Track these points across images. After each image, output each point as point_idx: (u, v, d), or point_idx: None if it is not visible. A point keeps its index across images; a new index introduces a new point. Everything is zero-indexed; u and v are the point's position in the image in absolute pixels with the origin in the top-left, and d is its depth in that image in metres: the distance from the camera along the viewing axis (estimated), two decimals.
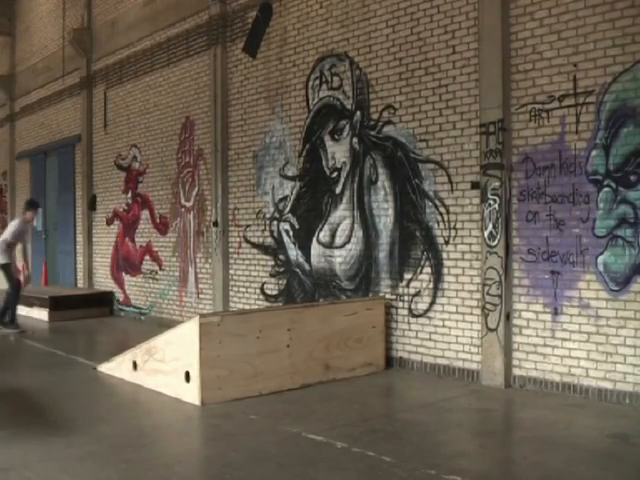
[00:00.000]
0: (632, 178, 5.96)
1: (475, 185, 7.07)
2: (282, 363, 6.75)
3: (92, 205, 13.98)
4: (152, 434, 5.61)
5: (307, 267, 9.01)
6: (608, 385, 6.10)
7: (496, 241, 6.81)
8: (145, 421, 5.96)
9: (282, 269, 9.44)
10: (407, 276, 7.75)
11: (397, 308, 7.84)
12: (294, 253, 9.23)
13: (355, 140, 8.31)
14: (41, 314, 12.34)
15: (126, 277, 12.93)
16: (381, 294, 7.99)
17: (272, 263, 9.60)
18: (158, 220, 12.00)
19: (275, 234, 9.55)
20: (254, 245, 9.91)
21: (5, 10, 17.99)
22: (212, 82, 10.50)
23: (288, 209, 9.33)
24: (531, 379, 6.64)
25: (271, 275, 9.62)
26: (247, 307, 9.80)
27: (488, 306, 6.86)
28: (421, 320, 7.61)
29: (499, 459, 4.97)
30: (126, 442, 5.23)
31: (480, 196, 6.99)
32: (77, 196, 14.67)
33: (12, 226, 11.39)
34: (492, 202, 6.84)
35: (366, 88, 8.21)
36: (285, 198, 9.38)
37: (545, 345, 6.54)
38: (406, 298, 7.75)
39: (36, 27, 16.85)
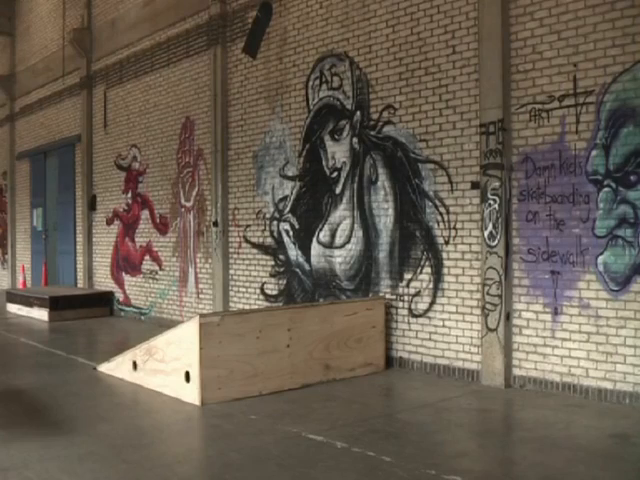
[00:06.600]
0: (632, 178, 5.96)
1: (475, 185, 7.07)
2: (282, 363, 6.75)
3: (92, 205, 13.99)
4: (152, 434, 5.61)
5: (307, 267, 9.01)
6: (608, 385, 6.10)
7: (496, 241, 6.81)
8: (145, 421, 5.95)
9: (282, 269, 9.44)
10: (407, 276, 7.75)
11: (397, 308, 7.84)
12: (294, 253, 9.23)
13: (355, 140, 8.31)
14: (41, 314, 12.34)
15: (126, 277, 12.94)
16: (381, 294, 7.99)
17: (272, 263, 9.60)
18: (158, 220, 12.00)
19: (275, 234, 9.55)
20: (254, 245, 9.92)
21: (5, 10, 17.99)
22: (212, 82, 10.50)
23: (288, 209, 9.34)
24: (531, 379, 6.64)
25: (271, 275, 9.62)
26: (247, 307, 9.80)
27: (488, 306, 6.86)
28: (421, 320, 7.61)
29: (499, 459, 4.97)
30: (126, 442, 5.23)
31: (480, 196, 6.99)
32: (77, 196, 14.67)
33: None
34: (492, 202, 6.84)
35: (366, 88, 8.21)
36: (285, 198, 9.38)
37: (545, 345, 6.54)
38: (406, 298, 7.75)
39: (36, 27, 16.85)
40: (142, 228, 12.46)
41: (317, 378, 7.01)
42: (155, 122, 12.06)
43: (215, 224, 10.42)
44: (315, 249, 8.90)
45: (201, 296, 10.89)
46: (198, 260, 10.96)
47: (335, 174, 8.60)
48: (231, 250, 10.31)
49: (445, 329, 7.38)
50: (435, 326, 7.47)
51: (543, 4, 6.56)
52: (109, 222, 13.51)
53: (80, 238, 14.51)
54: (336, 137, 8.59)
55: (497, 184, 6.80)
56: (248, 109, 10.01)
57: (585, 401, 6.16)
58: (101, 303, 13.05)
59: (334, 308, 7.42)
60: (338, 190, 8.55)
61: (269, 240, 9.66)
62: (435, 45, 7.46)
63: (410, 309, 7.72)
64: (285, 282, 9.38)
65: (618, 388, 6.04)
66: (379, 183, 8.04)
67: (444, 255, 7.39)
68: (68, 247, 15.07)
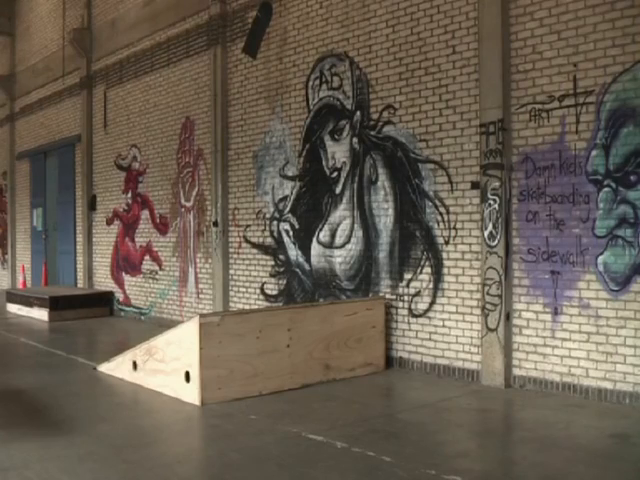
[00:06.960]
0: (632, 178, 5.96)
1: (475, 185, 7.07)
2: (282, 363, 6.75)
3: (92, 205, 13.99)
4: (152, 434, 5.61)
5: (307, 267, 9.01)
6: (608, 385, 6.10)
7: (496, 241, 6.81)
8: (145, 421, 5.95)
9: (282, 269, 9.44)
10: (407, 276, 7.75)
11: (397, 308, 7.84)
12: (294, 253, 9.23)
13: (355, 140, 8.31)
14: (41, 314, 12.34)
15: (126, 277, 12.93)
16: (381, 294, 7.99)
17: (272, 263, 9.60)
18: (158, 220, 12.00)
19: (275, 234, 9.55)
20: (254, 245, 9.91)
21: (5, 10, 17.99)
22: (212, 82, 10.50)
23: (288, 209, 9.34)
24: (531, 379, 6.64)
25: (271, 275, 9.62)
26: (247, 307, 9.80)
27: (488, 306, 6.86)
28: (421, 320, 7.61)
29: (499, 459, 4.97)
30: (126, 442, 5.23)
31: (480, 196, 6.99)
32: (77, 196, 14.67)
33: None
34: (492, 202, 6.84)
35: (366, 88, 8.21)
36: (285, 198, 9.38)
37: (545, 345, 6.54)
38: (406, 298, 7.75)
39: (36, 27, 16.85)
40: (142, 228, 12.46)
41: (317, 378, 7.01)
42: (155, 122, 12.06)
43: (215, 224, 10.42)
44: (315, 249, 8.90)
45: (201, 296, 10.89)
46: (198, 260, 10.96)
47: (335, 174, 8.60)
48: (231, 250, 10.31)
49: (445, 329, 7.38)
50: (435, 326, 7.47)
51: (543, 4, 6.56)
52: (109, 222, 13.51)
53: (80, 238, 14.51)
54: (336, 137, 8.59)
55: (497, 184, 6.80)
56: (248, 109, 10.01)
57: (585, 401, 6.16)
58: (101, 303, 13.05)
59: (334, 308, 7.42)
60: (338, 190, 8.55)
61: (269, 240, 9.66)
62: (435, 45, 7.46)
63: (410, 309, 7.72)
64: (285, 282, 9.38)
65: (618, 388, 6.04)
66: (379, 183, 8.04)
67: (444, 255, 7.39)
68: (68, 247, 15.07)
